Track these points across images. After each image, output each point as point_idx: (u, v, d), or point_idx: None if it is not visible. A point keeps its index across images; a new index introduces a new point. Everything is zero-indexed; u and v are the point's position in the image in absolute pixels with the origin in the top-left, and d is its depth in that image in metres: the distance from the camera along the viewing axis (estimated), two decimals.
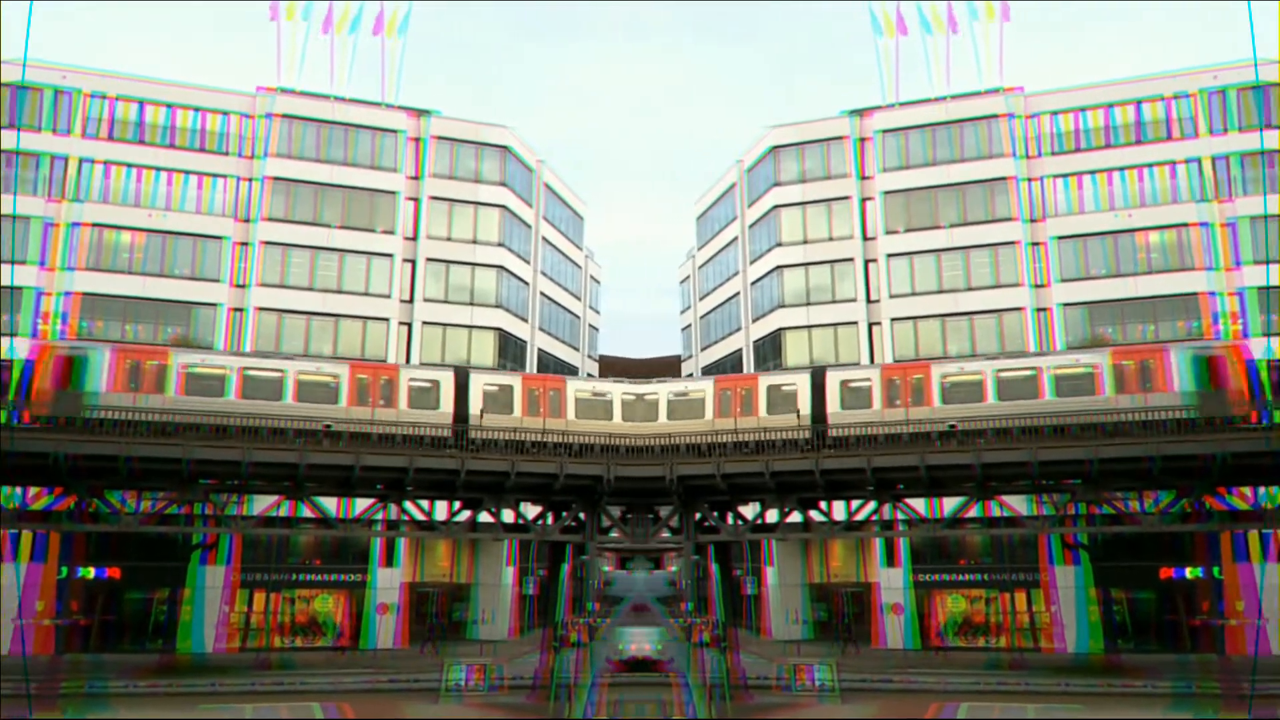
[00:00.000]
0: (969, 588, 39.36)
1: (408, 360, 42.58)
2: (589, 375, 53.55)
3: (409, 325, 43.79)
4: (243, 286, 41.76)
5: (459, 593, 41.27)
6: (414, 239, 44.83)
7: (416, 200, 45.22)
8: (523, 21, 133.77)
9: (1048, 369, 30.05)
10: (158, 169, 41.41)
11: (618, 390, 33.98)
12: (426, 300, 44.35)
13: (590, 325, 56.18)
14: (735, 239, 51.48)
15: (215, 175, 42.40)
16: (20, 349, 34.38)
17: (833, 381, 31.90)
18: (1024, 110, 43.34)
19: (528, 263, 48.29)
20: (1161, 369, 29.34)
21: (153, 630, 36.74)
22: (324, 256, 43.28)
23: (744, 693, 28.54)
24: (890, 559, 40.37)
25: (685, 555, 33.94)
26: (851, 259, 44.99)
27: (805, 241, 46.19)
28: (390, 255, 44.15)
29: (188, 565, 37.06)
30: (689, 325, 58.34)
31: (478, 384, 32.06)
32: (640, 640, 32.82)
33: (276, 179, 42.94)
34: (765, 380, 33.34)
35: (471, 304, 44.98)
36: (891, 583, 40.10)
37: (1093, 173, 41.96)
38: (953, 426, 29.92)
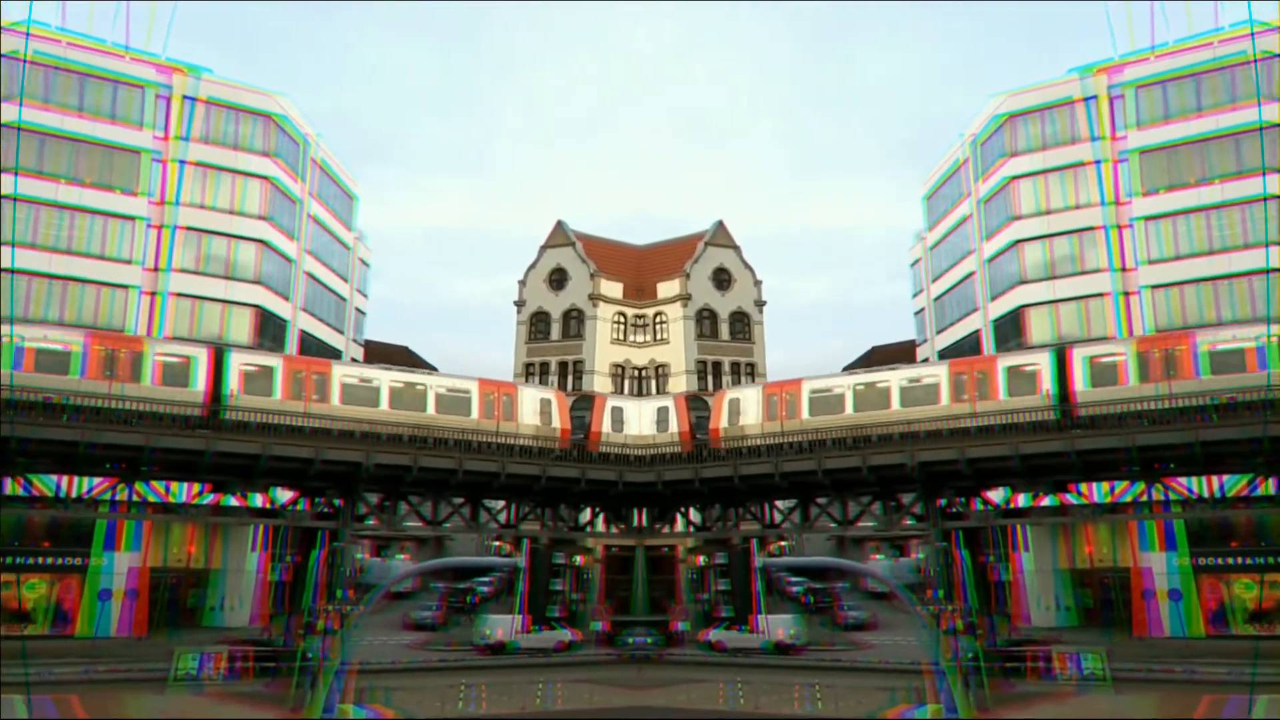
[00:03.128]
0: (1254, 571, 35.22)
1: (151, 332, 39.66)
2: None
3: (157, 295, 40.75)
4: None
5: (201, 578, 39.21)
6: (166, 204, 41.72)
7: (171, 162, 42.12)
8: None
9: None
10: None
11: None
12: (179, 270, 41.48)
13: (358, 309, 55.00)
14: (967, 216, 48.60)
15: None
16: None
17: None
18: None
19: (293, 239, 46.57)
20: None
21: None
22: (51, 214, 39.08)
23: (1001, 680, 27.72)
24: (1156, 541, 36.79)
25: (930, 542, 33.63)
26: (1097, 227, 41.74)
27: (1045, 213, 43.12)
28: (135, 218, 40.78)
29: None
30: (922, 309, 54.72)
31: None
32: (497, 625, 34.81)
33: None
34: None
35: (229, 278, 42.68)
36: (1159, 566, 36.54)
37: None
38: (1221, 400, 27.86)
